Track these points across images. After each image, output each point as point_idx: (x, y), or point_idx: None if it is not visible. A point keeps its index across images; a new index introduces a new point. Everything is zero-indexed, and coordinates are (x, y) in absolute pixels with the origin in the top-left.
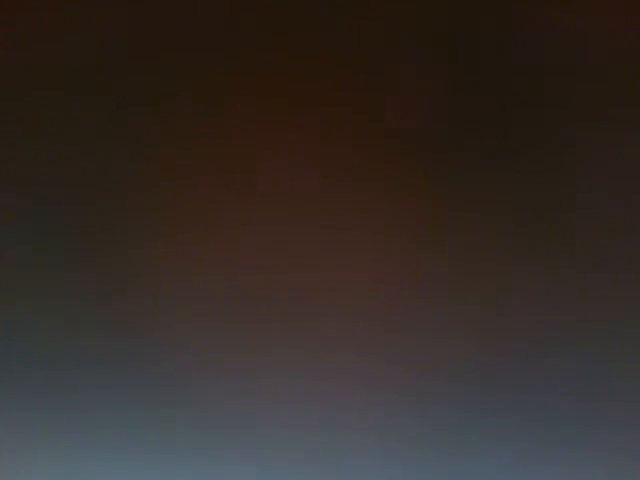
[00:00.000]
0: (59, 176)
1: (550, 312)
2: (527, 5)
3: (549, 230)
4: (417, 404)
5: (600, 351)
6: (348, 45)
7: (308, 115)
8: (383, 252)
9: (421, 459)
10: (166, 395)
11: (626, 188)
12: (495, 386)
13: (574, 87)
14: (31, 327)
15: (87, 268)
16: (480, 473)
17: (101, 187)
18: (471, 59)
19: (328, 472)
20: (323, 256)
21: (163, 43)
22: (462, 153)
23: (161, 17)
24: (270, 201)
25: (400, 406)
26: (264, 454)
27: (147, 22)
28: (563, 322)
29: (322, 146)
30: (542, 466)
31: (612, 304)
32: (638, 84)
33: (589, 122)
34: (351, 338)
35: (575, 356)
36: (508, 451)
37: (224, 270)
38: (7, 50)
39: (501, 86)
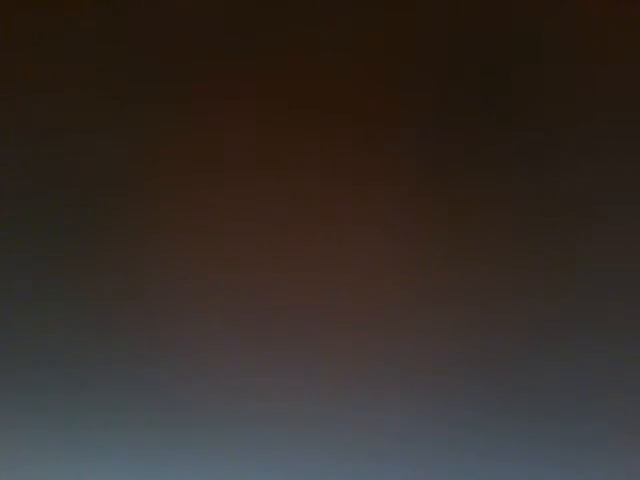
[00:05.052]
0: (59, 176)
1: (551, 311)
2: (528, 2)
3: (550, 229)
4: (417, 404)
5: (601, 351)
6: (347, 45)
7: (307, 114)
8: (382, 252)
9: (421, 459)
10: (166, 395)
11: (628, 186)
12: (495, 386)
13: (575, 85)
14: (31, 327)
15: (87, 268)
16: (480, 473)
17: (102, 187)
18: (472, 58)
19: (328, 472)
20: (322, 256)
21: (164, 42)
22: (462, 151)
23: (162, 16)
24: (270, 201)
25: (400, 406)
26: (264, 453)
27: (148, 21)
28: (564, 321)
29: (321, 146)
30: (542, 466)
31: (613, 304)
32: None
33: (590, 120)
34: (351, 338)
35: (576, 355)
36: (508, 451)
37: (224, 270)
38: (5, 50)
39: (502, 83)
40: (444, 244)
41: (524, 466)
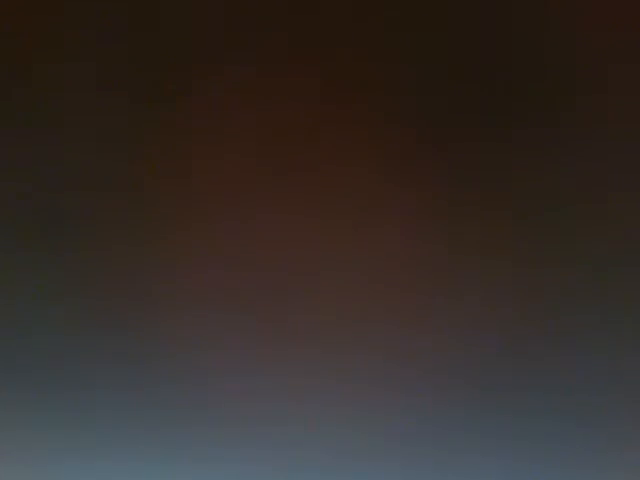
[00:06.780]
0: (59, 175)
1: (551, 311)
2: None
3: (550, 228)
4: (417, 403)
5: (600, 350)
6: (349, 44)
7: (308, 114)
8: (383, 250)
9: (422, 458)
10: (167, 395)
11: (628, 185)
12: (495, 385)
13: (575, 83)
14: (31, 327)
15: (87, 268)
16: (480, 472)
17: (102, 187)
18: (472, 54)
19: (329, 471)
20: (324, 256)
21: (164, 42)
22: (463, 152)
23: (163, 17)
24: (270, 200)
25: (400, 405)
26: (264, 453)
27: (149, 22)
28: (563, 321)
29: (323, 147)
30: (542, 465)
31: (613, 303)
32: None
33: (590, 118)
34: (351, 337)
35: (575, 355)
36: (508, 450)
37: (225, 269)
38: (8, 50)
39: (503, 80)
40: (445, 242)
41: (524, 465)
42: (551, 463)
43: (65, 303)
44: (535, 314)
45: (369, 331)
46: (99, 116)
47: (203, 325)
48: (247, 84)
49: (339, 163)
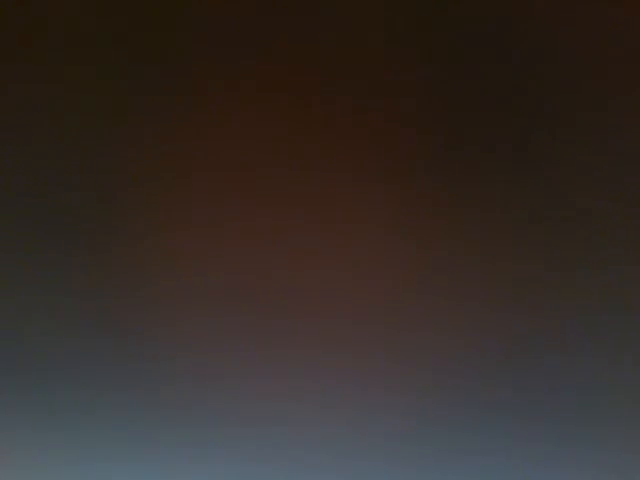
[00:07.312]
0: (59, 178)
1: (550, 311)
2: (528, 1)
3: (550, 229)
4: (416, 403)
5: (600, 350)
6: (348, 42)
7: (308, 114)
8: (383, 251)
9: (420, 458)
10: (166, 395)
11: (627, 187)
12: (495, 385)
13: (576, 85)
14: (31, 328)
15: (88, 268)
16: (481, 473)
17: (102, 188)
18: (471, 57)
19: (328, 471)
20: (323, 255)
21: (164, 42)
22: (462, 151)
23: (163, 15)
24: (270, 200)
25: (400, 405)
26: (264, 453)
27: (148, 21)
28: (563, 321)
29: (322, 145)
30: (542, 465)
31: (612, 303)
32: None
33: (590, 121)
34: (351, 337)
35: (575, 355)
36: (508, 450)
37: (224, 269)
38: (5, 47)
39: (502, 82)
40: (444, 243)
41: (525, 465)
42: (551, 463)
43: (65, 304)
44: (536, 315)
45: (370, 332)
46: (99, 116)
47: (203, 325)
48: (247, 84)
49: (339, 164)
